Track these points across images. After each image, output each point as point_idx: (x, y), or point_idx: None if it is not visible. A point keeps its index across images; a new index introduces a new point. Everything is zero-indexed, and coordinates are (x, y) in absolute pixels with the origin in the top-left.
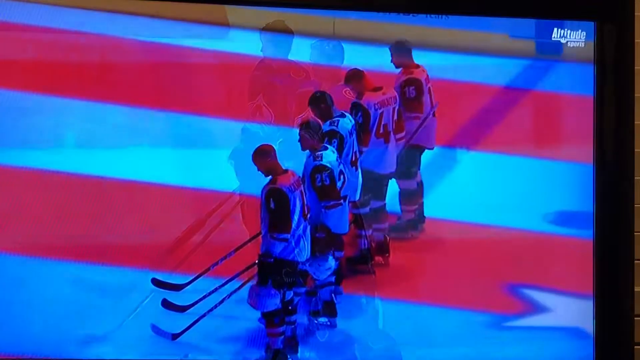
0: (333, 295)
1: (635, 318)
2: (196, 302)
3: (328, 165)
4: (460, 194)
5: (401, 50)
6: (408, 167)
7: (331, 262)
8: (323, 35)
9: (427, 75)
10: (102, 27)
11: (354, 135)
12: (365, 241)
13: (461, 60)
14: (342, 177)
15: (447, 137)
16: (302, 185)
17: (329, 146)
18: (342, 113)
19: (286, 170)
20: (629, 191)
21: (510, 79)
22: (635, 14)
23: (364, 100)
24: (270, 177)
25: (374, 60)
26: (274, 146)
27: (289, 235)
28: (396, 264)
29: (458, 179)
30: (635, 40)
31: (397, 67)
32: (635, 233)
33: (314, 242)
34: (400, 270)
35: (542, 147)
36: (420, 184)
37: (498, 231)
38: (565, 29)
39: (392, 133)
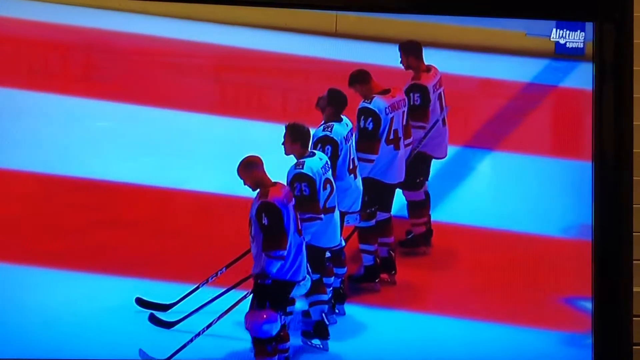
0: (324, 315)
1: (634, 318)
2: (183, 319)
3: (309, 173)
4: (472, 199)
5: (410, 51)
6: (415, 177)
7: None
8: (325, 32)
9: (439, 80)
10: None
11: (351, 141)
12: (370, 257)
13: (474, 59)
14: (328, 186)
15: (459, 141)
16: (293, 199)
17: (317, 152)
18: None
19: (275, 183)
20: (628, 191)
21: (526, 78)
22: (635, 14)
23: (374, 105)
24: (258, 190)
25: (380, 58)
26: (260, 157)
27: (285, 252)
28: (419, 281)
29: (469, 185)
30: (635, 41)
31: (406, 68)
32: (634, 233)
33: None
34: (429, 287)
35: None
36: (427, 195)
37: (521, 237)
38: (564, 29)
39: (402, 138)
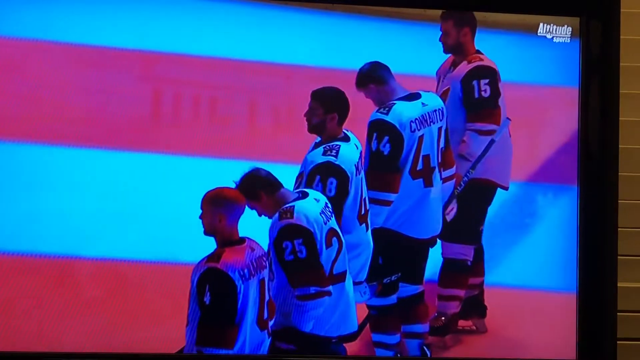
0: None
1: (619, 313)
2: None
3: (303, 224)
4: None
5: (464, 21)
6: (473, 220)
7: None
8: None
9: (497, 70)
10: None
11: (363, 172)
12: (389, 353)
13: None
14: (334, 240)
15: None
16: (266, 268)
17: (309, 192)
18: (344, 134)
19: (242, 240)
20: (614, 187)
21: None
22: (621, 10)
23: (393, 116)
24: (213, 239)
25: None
26: (244, 200)
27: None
28: None
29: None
30: (621, 37)
31: (447, 51)
32: (619, 229)
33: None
34: None
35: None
36: (480, 251)
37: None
38: (551, 25)
39: (437, 169)
